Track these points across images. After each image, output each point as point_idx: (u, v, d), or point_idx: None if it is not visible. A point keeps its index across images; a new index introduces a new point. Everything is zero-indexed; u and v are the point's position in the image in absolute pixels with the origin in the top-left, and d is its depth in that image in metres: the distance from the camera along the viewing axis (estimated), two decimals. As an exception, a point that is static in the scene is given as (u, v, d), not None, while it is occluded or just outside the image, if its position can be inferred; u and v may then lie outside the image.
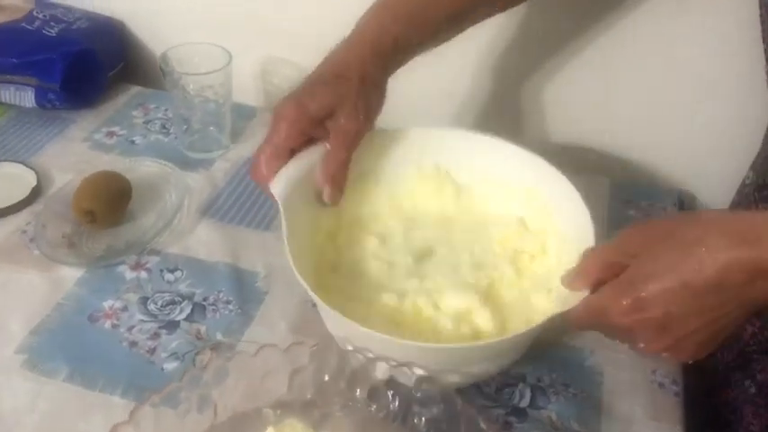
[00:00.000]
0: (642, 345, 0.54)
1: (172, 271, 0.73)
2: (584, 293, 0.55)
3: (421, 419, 0.53)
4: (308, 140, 0.64)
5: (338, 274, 0.68)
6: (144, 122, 0.94)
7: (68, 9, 0.98)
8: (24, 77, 0.89)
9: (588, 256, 0.57)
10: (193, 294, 0.71)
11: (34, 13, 0.94)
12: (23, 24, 0.92)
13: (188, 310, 0.69)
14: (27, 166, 0.84)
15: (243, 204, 0.82)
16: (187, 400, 0.51)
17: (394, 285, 0.66)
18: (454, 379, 0.59)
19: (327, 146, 0.64)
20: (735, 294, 0.49)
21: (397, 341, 0.54)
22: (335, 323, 0.61)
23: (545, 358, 0.67)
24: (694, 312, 0.50)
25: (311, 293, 0.56)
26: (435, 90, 0.94)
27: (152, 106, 0.97)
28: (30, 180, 0.82)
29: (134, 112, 0.95)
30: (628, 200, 0.86)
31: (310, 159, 0.65)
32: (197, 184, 0.84)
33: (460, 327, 0.62)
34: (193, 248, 0.76)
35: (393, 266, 0.68)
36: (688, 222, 0.53)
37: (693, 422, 0.65)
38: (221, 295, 0.71)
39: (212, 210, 0.81)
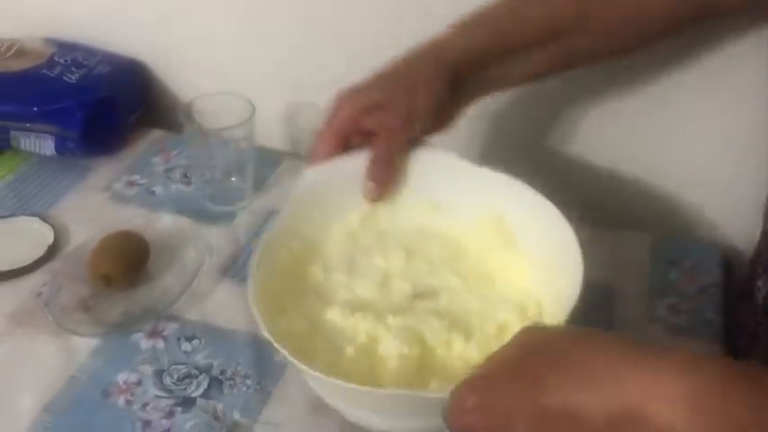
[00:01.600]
0: None
1: (189, 340, 0.71)
2: None
3: None
4: (363, 133, 0.64)
5: None
6: (165, 170, 0.91)
7: (90, 51, 0.95)
8: (44, 126, 0.88)
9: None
10: (211, 367, 0.68)
11: (55, 57, 0.92)
12: (44, 71, 0.90)
13: (205, 385, 0.67)
14: (44, 220, 0.81)
15: (264, 263, 0.79)
16: None
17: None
18: None
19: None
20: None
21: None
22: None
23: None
24: (510, 397, 0.42)
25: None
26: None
27: (173, 152, 0.94)
28: (47, 237, 0.80)
29: (154, 159, 0.93)
30: (670, 259, 0.81)
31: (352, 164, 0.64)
32: (218, 241, 0.81)
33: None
34: (212, 314, 0.73)
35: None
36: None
37: None
38: (239, 368, 0.68)
39: (233, 269, 0.78)
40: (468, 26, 0.65)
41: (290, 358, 0.52)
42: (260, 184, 0.89)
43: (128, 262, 0.74)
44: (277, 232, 0.63)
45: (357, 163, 0.64)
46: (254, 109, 0.82)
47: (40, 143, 0.89)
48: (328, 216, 0.66)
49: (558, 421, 0.40)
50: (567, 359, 0.42)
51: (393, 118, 0.62)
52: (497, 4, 0.66)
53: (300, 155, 0.97)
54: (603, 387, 0.39)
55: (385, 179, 0.65)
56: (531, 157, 0.91)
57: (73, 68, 0.91)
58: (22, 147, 0.89)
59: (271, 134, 0.96)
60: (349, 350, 0.58)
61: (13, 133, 0.88)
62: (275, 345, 0.53)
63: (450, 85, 0.63)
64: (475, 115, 0.70)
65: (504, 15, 0.66)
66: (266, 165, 0.91)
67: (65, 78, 0.89)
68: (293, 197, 0.65)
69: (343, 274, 0.64)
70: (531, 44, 0.66)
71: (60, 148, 0.88)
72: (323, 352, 0.58)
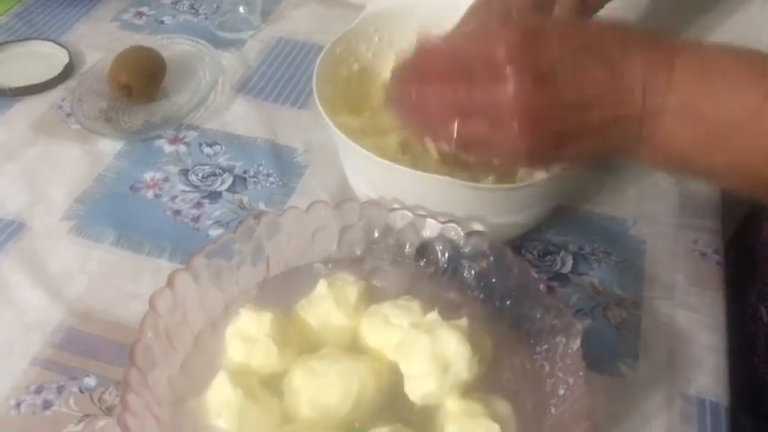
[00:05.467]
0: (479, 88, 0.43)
1: (210, 145, 0.73)
2: None
3: (471, 273, 0.53)
4: None
5: None
6: (172, 3, 0.92)
7: None
8: (49, -45, 0.87)
9: None
10: (234, 167, 0.71)
11: None
12: None
13: (229, 182, 0.70)
14: (58, 44, 0.82)
15: (277, 83, 0.81)
16: (241, 253, 0.52)
17: None
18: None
19: None
20: (599, 60, 0.42)
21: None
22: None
23: (586, 228, 0.67)
24: (557, 40, 0.43)
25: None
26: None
27: (179, -12, 0.94)
28: (61, 58, 0.81)
29: (161, -6, 0.93)
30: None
31: None
32: (229, 63, 0.83)
33: None
34: (230, 124, 0.76)
35: None
36: None
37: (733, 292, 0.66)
38: (261, 168, 0.71)
39: (247, 88, 0.80)
40: None
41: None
42: (266, 17, 0.90)
43: (146, 73, 0.75)
44: (337, 49, 0.65)
45: None
46: (262, -71, 0.82)
47: (46, -26, 0.88)
48: (385, 45, 0.69)
49: (593, 54, 0.43)
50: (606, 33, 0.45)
51: None
52: None
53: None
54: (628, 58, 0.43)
55: None
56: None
57: None
58: (28, -22, 0.89)
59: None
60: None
61: (18, -37, 0.88)
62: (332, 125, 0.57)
63: None
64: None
65: None
66: (271, 0, 0.92)
67: None
68: (357, 22, 0.67)
69: None
70: None
71: (67, -22, 0.88)
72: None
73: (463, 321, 0.46)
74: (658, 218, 0.68)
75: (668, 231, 0.67)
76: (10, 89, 0.76)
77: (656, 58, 0.42)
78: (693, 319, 0.60)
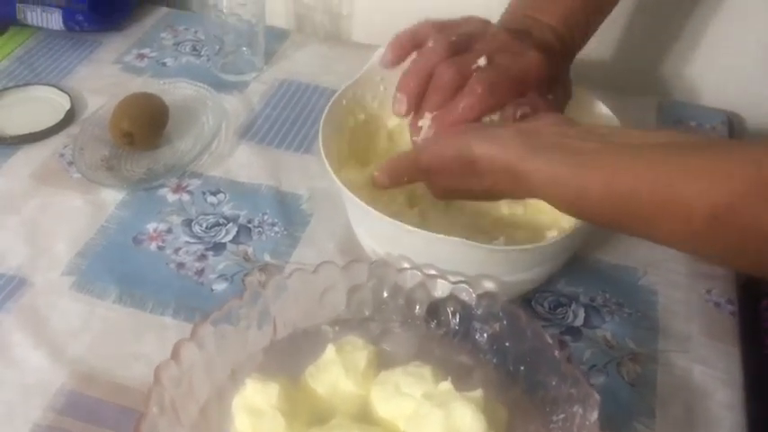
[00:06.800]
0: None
1: (214, 194, 0.72)
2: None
3: (483, 335, 0.52)
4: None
5: None
6: (174, 44, 0.91)
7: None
8: (52, -2, 0.87)
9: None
10: (238, 217, 0.70)
11: (58, -71, 0.91)
12: (48, -58, 0.88)
13: (233, 232, 0.68)
14: (59, 89, 0.81)
15: (281, 127, 0.80)
16: (247, 317, 0.50)
17: None
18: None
19: None
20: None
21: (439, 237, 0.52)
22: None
23: (596, 278, 0.66)
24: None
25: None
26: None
27: (181, 28, 0.94)
28: (63, 103, 0.80)
29: (163, 34, 0.93)
30: (677, 120, 0.83)
31: None
32: (232, 107, 0.82)
33: None
34: (234, 171, 0.75)
35: None
36: None
37: (748, 342, 0.64)
38: (266, 217, 0.70)
39: (250, 133, 0.79)
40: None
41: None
42: (269, 57, 0.89)
43: (149, 120, 0.74)
44: (344, 100, 0.64)
45: None
46: (265, -27, 0.81)
47: (48, 17, 0.88)
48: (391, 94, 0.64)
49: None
50: None
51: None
52: None
53: (307, 31, 0.97)
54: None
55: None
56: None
57: (77, -60, 0.89)
58: (29, 21, 0.88)
59: (278, 14, 0.96)
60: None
61: (19, 6, 0.87)
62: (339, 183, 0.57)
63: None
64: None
65: None
66: (274, 40, 0.91)
67: (70, -51, 0.88)
68: (364, 71, 0.65)
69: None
70: None
71: (69, 21, 0.87)
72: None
73: (477, 393, 0.45)
74: (669, 266, 0.67)
75: (680, 280, 0.66)
76: (11, 137, 0.75)
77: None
78: (709, 375, 0.59)
